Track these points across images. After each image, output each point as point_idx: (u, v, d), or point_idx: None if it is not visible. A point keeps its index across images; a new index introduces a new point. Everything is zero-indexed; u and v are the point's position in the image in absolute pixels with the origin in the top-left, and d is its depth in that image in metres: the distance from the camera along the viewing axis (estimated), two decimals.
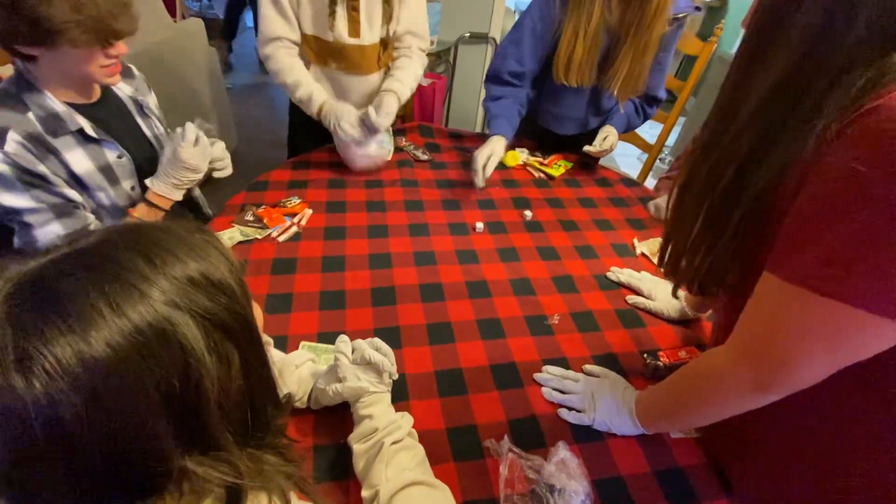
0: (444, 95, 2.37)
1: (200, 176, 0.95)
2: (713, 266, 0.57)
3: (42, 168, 0.80)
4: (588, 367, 0.81)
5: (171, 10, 2.92)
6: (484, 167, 1.20)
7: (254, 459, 0.39)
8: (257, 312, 0.52)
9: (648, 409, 0.69)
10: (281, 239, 1.02)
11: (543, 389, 0.78)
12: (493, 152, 1.22)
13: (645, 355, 0.84)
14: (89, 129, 0.85)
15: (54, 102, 0.82)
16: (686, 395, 0.62)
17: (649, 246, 1.12)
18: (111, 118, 0.92)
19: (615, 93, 1.27)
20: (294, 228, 1.04)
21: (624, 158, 2.98)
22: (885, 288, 0.39)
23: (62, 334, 0.29)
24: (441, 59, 2.47)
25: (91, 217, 0.89)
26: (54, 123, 0.82)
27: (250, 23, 4.70)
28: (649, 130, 1.91)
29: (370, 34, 1.27)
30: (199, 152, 0.93)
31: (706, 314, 0.94)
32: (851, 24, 0.41)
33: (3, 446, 0.29)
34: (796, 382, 0.48)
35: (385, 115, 1.20)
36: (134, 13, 0.81)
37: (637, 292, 0.99)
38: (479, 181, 1.21)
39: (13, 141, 0.77)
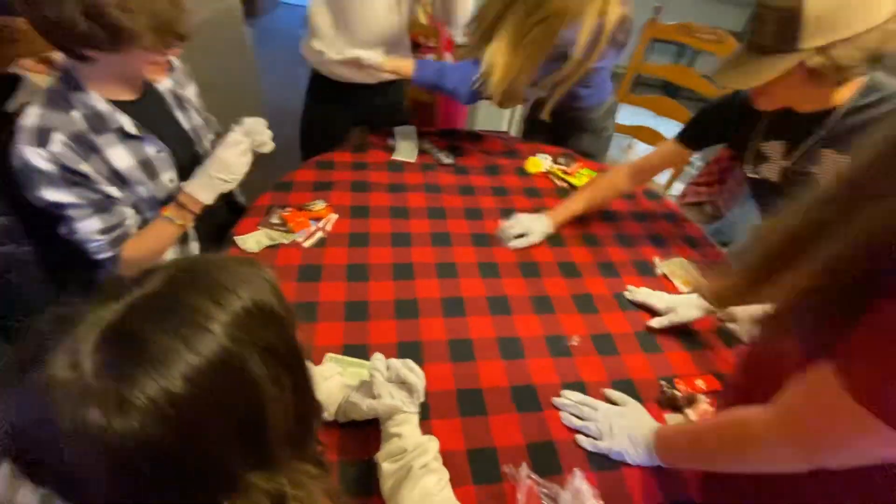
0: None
1: (234, 184, 0.97)
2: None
3: (84, 167, 0.83)
4: (608, 391, 0.83)
5: None
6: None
7: (297, 470, 0.43)
8: None
9: (670, 449, 0.70)
10: (306, 244, 1.03)
11: (562, 414, 0.79)
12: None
13: (662, 382, 0.86)
14: (130, 128, 0.88)
15: (98, 102, 0.84)
16: (721, 452, 0.61)
17: (670, 266, 1.12)
18: (151, 113, 0.95)
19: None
20: (319, 234, 1.06)
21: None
22: None
23: (150, 377, 0.32)
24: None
25: (128, 212, 0.92)
26: (98, 122, 0.85)
27: None
28: (675, 130, 1.89)
29: None
30: (238, 155, 0.95)
31: (726, 316, 0.94)
32: None
33: (109, 475, 0.33)
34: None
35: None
36: (189, 15, 0.83)
37: (653, 310, 0.99)
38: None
39: (58, 141, 0.80)
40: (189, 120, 1.03)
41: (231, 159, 0.94)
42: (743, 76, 0.80)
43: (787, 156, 0.93)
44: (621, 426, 0.75)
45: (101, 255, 0.90)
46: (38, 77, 1.10)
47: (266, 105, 2.60)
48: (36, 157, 0.78)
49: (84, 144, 0.83)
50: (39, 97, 0.81)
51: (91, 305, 0.35)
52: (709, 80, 1.69)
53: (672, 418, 0.82)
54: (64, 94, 0.82)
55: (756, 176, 1.01)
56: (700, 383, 0.86)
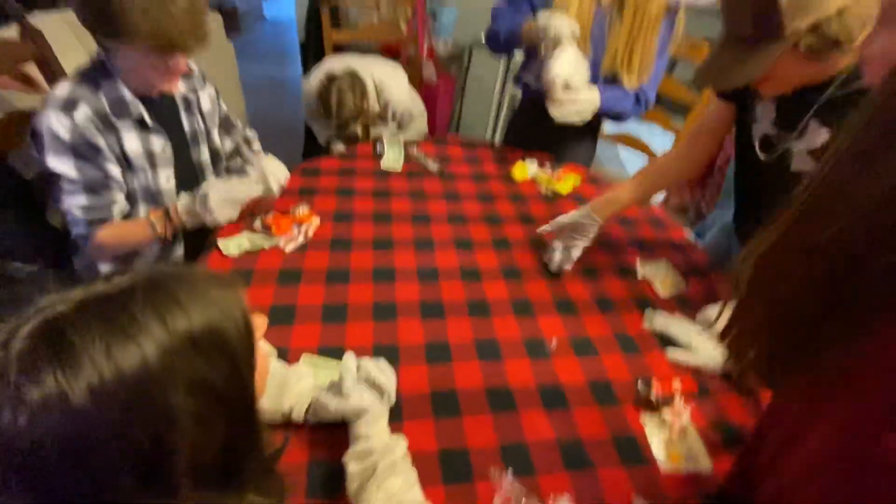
0: (452, 97, 2.38)
1: (217, 223, 1.02)
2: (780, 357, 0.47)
3: (100, 141, 0.90)
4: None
5: None
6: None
7: (232, 500, 0.39)
8: (260, 322, 0.54)
9: None
10: (288, 249, 1.04)
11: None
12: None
13: (639, 382, 0.85)
14: (147, 119, 0.95)
15: (124, 90, 0.91)
16: None
17: (651, 270, 1.12)
18: (164, 112, 1.01)
19: (616, 69, 1.28)
20: (301, 239, 1.07)
21: (635, 165, 2.96)
22: None
23: (54, 377, 0.30)
24: (454, 61, 2.47)
25: (119, 199, 0.97)
26: (120, 107, 0.92)
27: (269, 13, 4.73)
28: (660, 138, 1.91)
29: None
30: (224, 204, 0.99)
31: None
32: None
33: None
34: None
35: None
36: (208, 39, 0.88)
37: (672, 341, 0.94)
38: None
39: (83, 113, 0.87)
40: (193, 124, 1.08)
41: (216, 206, 0.97)
42: (740, 72, 0.76)
43: (775, 124, 0.90)
44: None
45: (76, 230, 0.95)
46: (16, 94, 1.16)
47: (250, 122, 2.64)
48: (58, 125, 0.85)
49: (105, 122, 0.90)
50: (74, 76, 0.90)
51: (59, 295, 0.35)
52: (694, 88, 1.70)
53: (648, 418, 0.81)
54: (95, 78, 0.90)
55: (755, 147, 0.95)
56: (676, 384, 0.86)
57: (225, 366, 0.36)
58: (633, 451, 0.76)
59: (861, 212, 0.38)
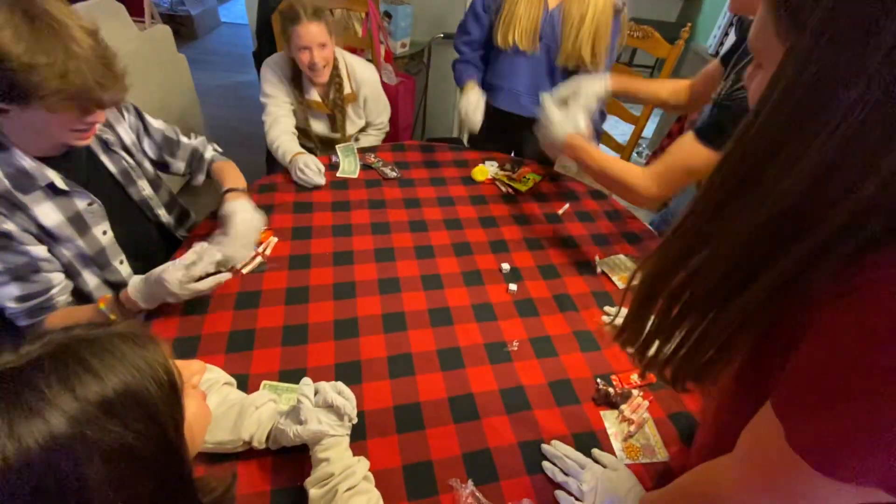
0: (414, 96, 2.36)
1: (176, 300, 0.89)
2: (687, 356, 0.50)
3: (8, 226, 0.79)
4: (596, 453, 0.77)
5: (140, 10, 2.85)
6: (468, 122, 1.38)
7: None
8: (197, 367, 0.53)
9: None
10: (245, 271, 1.03)
11: (545, 464, 0.75)
12: (478, 98, 1.39)
13: (598, 380, 0.88)
14: (60, 183, 0.85)
15: (24, 159, 0.81)
16: None
17: (609, 264, 1.15)
18: (79, 165, 0.91)
19: (579, 52, 1.35)
20: (259, 259, 1.05)
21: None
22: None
23: None
24: (414, 61, 2.45)
25: (56, 279, 0.88)
26: (24, 181, 0.81)
27: (225, 18, 4.60)
28: (619, 128, 1.93)
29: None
30: (184, 281, 0.85)
31: None
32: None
33: None
34: None
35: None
36: (125, 85, 0.79)
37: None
38: (474, 128, 1.39)
39: None
40: (117, 163, 0.99)
41: (171, 285, 0.84)
42: None
43: (727, 77, 0.95)
44: (608, 492, 0.69)
45: (20, 322, 0.86)
46: None
47: (210, 128, 2.59)
48: None
49: (8, 203, 0.80)
50: None
51: None
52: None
53: (608, 415, 0.84)
54: None
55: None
56: (635, 378, 0.88)
57: (145, 427, 0.36)
58: (593, 447, 0.78)
59: (736, 238, 0.42)
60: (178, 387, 0.40)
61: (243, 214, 1.00)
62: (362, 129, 1.69)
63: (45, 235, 0.85)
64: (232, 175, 1.14)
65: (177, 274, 0.84)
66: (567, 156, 1.12)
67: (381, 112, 1.68)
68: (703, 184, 0.45)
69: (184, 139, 1.15)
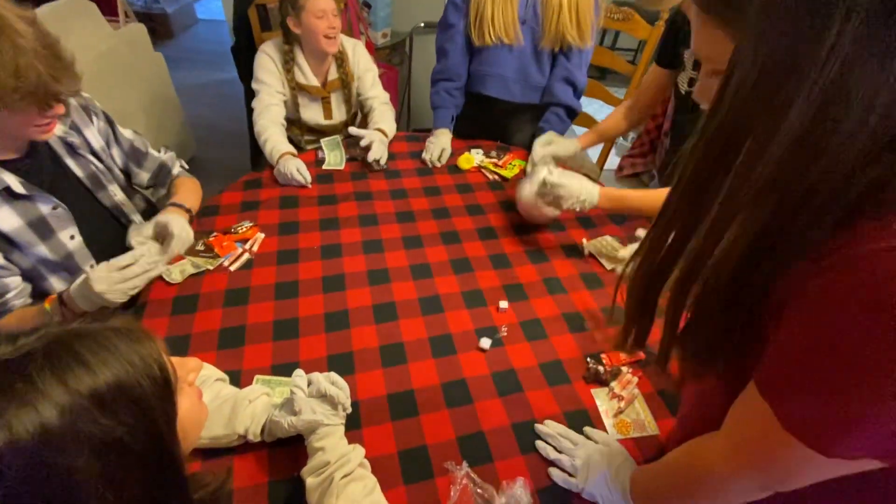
0: (397, 87, 2.35)
1: (118, 303, 0.87)
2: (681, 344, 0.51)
3: None
4: (589, 430, 0.78)
5: (112, 8, 2.78)
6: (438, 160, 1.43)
7: None
8: (193, 365, 0.54)
9: (646, 492, 0.66)
10: (233, 268, 1.02)
11: (538, 443, 0.76)
12: (443, 147, 1.43)
13: (588, 359, 0.89)
14: (17, 187, 0.83)
15: None
16: (688, 490, 0.58)
17: (596, 246, 1.16)
18: (41, 168, 0.89)
19: (564, 34, 1.37)
20: (246, 256, 1.05)
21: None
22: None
23: None
24: (396, 51, 2.44)
25: (13, 284, 0.86)
26: None
27: (201, 14, 4.52)
28: (605, 111, 1.94)
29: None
30: (114, 280, 0.83)
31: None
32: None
33: None
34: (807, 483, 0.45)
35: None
36: (76, 73, 0.79)
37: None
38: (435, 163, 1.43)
39: None
40: (84, 167, 0.97)
41: (98, 285, 0.82)
42: None
43: (696, 66, 0.98)
44: (598, 468, 0.70)
45: None
46: None
47: (192, 129, 2.55)
48: None
49: None
50: None
51: None
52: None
53: (598, 392, 0.85)
54: None
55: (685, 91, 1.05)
56: (624, 355, 0.90)
57: (137, 421, 0.36)
58: (585, 425, 0.80)
59: (724, 221, 0.41)
60: (172, 383, 0.40)
61: (180, 224, 0.96)
62: (366, 116, 1.61)
63: (4, 242, 0.84)
64: (187, 191, 1.12)
65: (106, 276, 0.82)
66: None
67: (381, 90, 1.62)
68: (679, 171, 0.45)
69: (152, 152, 1.12)
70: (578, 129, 2.83)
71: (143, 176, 1.12)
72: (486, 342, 0.91)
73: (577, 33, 1.37)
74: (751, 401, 0.44)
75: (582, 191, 1.06)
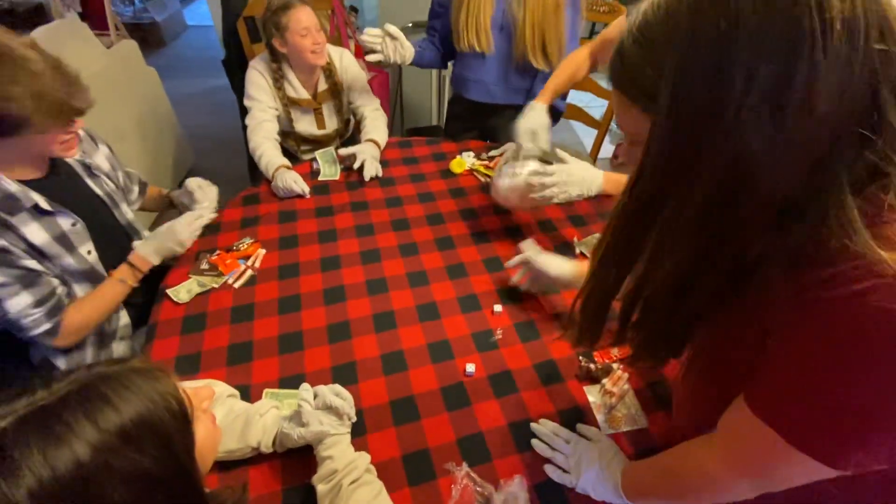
0: (388, 90, 2.36)
1: (182, 250, 1.10)
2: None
3: (2, 242, 0.85)
4: (581, 427, 0.82)
5: (103, 23, 2.80)
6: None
7: None
8: (206, 393, 0.58)
9: (638, 487, 0.69)
10: (237, 285, 1.07)
11: (534, 441, 0.80)
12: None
13: (580, 357, 0.93)
14: (44, 204, 0.90)
15: (8, 184, 0.87)
16: (680, 491, 0.62)
17: (587, 244, 1.19)
18: (63, 187, 0.97)
19: (528, 57, 1.38)
20: (249, 272, 1.09)
21: (583, 127, 3.02)
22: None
23: None
24: None
25: (56, 283, 0.94)
26: (9, 204, 0.87)
27: (191, 21, 4.52)
28: (597, 101, 1.95)
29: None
30: (187, 226, 1.09)
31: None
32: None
33: None
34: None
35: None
36: (85, 85, 0.86)
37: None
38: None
39: None
40: (101, 186, 1.05)
41: (180, 229, 1.07)
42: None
43: None
44: (590, 464, 0.74)
45: (38, 330, 0.90)
46: None
47: (189, 137, 2.58)
48: None
49: None
50: None
51: (3, 408, 0.38)
52: None
53: (591, 389, 0.89)
54: None
55: None
56: (615, 352, 0.94)
57: (159, 451, 0.40)
58: (578, 421, 0.84)
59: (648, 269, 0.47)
60: (189, 414, 0.45)
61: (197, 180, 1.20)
62: (358, 125, 1.63)
63: (35, 252, 0.91)
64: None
65: (187, 226, 1.09)
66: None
67: (371, 96, 1.65)
68: (609, 222, 0.51)
69: (130, 170, 1.23)
70: (575, 126, 2.85)
71: (134, 188, 1.21)
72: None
73: (542, 58, 1.38)
74: (746, 421, 0.46)
75: (586, 178, 1.09)
